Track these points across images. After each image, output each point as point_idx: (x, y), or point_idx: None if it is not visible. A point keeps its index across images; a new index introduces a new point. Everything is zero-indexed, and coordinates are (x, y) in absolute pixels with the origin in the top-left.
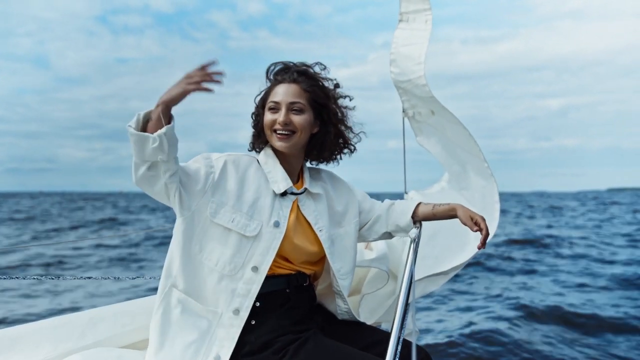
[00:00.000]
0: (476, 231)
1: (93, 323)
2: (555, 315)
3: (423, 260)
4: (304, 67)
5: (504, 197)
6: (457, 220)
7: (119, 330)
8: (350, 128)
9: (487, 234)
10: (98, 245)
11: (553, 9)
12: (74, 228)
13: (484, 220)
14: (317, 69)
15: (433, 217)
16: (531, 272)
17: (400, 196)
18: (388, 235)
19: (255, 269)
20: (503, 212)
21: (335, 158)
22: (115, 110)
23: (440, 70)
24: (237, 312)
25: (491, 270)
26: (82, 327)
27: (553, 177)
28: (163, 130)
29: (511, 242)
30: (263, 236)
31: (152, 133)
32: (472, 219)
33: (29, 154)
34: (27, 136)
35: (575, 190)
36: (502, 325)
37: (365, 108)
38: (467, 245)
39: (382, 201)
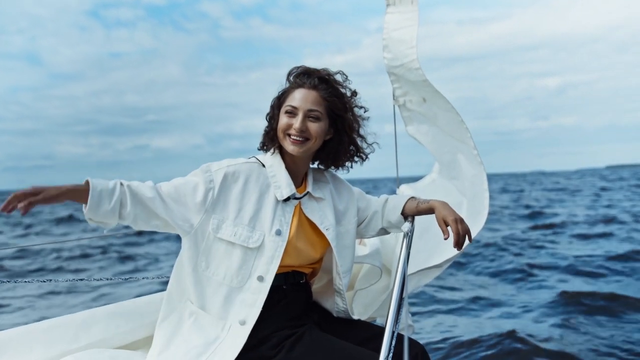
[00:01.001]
0: (446, 238)
1: (86, 325)
2: None
3: (416, 254)
4: (326, 75)
5: (503, 177)
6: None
7: (113, 332)
8: (364, 138)
9: (458, 238)
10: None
11: None
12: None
13: (457, 222)
14: (338, 77)
15: (417, 213)
16: None
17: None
18: (384, 231)
19: (261, 278)
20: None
21: (346, 166)
22: (110, 105)
23: (435, 53)
24: (243, 322)
25: None
26: (75, 328)
27: (552, 156)
28: (86, 215)
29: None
30: (266, 246)
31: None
32: (444, 222)
33: (26, 151)
34: (24, 134)
35: (574, 168)
36: None
37: (362, 93)
38: None
39: (379, 197)
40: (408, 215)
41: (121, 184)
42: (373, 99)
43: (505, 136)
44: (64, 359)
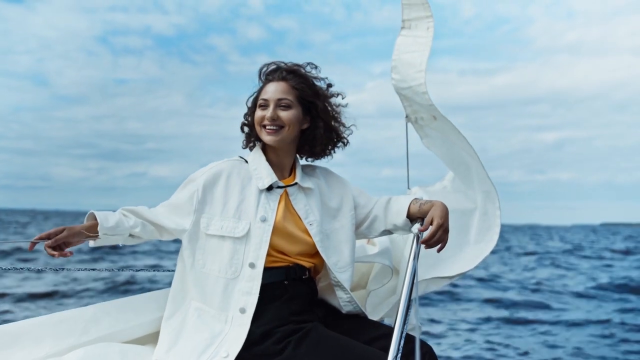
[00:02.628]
0: (420, 231)
1: (96, 318)
2: None
3: (425, 258)
4: (295, 67)
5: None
6: (458, 215)
7: (122, 326)
8: (342, 123)
9: (430, 239)
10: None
11: (550, 43)
12: None
13: (441, 227)
14: (308, 68)
15: (421, 214)
16: None
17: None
18: (388, 232)
19: (252, 265)
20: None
21: (328, 152)
22: (111, 131)
23: (436, 101)
24: (243, 310)
25: None
26: (85, 322)
27: (547, 210)
28: (100, 232)
29: None
30: (252, 233)
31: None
32: (431, 220)
33: (23, 171)
34: (22, 153)
35: (569, 224)
36: None
37: (362, 136)
38: (469, 247)
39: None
40: (413, 217)
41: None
42: (374, 141)
43: (501, 187)
44: (74, 352)
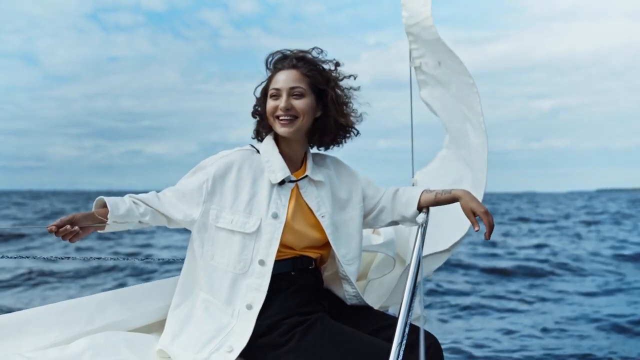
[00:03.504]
0: (477, 230)
1: (101, 307)
2: None
3: (426, 240)
4: (302, 53)
5: (499, 196)
6: (457, 185)
7: (127, 315)
8: (353, 110)
9: (492, 226)
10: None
11: (544, 10)
12: None
13: (487, 214)
14: (314, 53)
15: (437, 204)
16: None
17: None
18: (395, 223)
19: (262, 262)
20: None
21: (339, 142)
22: (105, 109)
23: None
24: (250, 307)
25: None
26: (90, 311)
27: (543, 177)
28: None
29: None
30: (263, 229)
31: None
32: (473, 213)
33: (18, 151)
34: (16, 134)
35: (565, 190)
36: None
37: (357, 107)
38: (463, 218)
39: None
40: (424, 207)
41: (126, 196)
42: (369, 113)
43: (497, 156)
44: (79, 340)
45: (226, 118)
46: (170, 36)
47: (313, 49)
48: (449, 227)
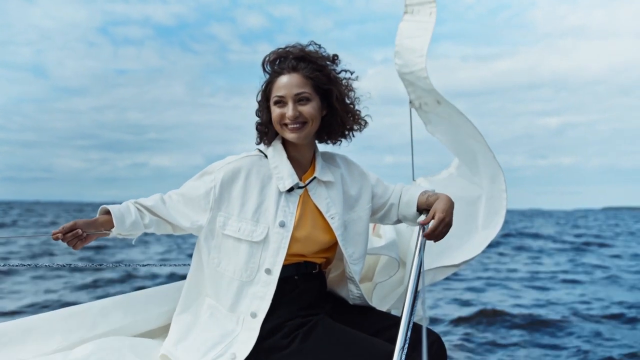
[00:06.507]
0: (421, 223)
1: (104, 313)
2: None
3: (431, 247)
4: (301, 53)
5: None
6: (465, 203)
7: (131, 320)
8: (356, 98)
9: (431, 232)
10: None
11: (553, 27)
12: None
13: (442, 221)
14: (311, 48)
15: (427, 207)
16: None
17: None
18: (399, 222)
19: (268, 271)
20: None
21: (347, 136)
22: (112, 121)
23: (438, 86)
24: (254, 315)
25: None
26: (94, 316)
27: (549, 195)
28: (115, 232)
29: None
30: (271, 238)
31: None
32: (433, 213)
33: (25, 162)
34: (24, 145)
35: (570, 208)
36: None
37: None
38: (477, 234)
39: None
40: (421, 208)
41: (131, 202)
42: (375, 129)
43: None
44: (84, 346)
45: (232, 131)
46: (178, 50)
47: (310, 43)
48: (461, 242)
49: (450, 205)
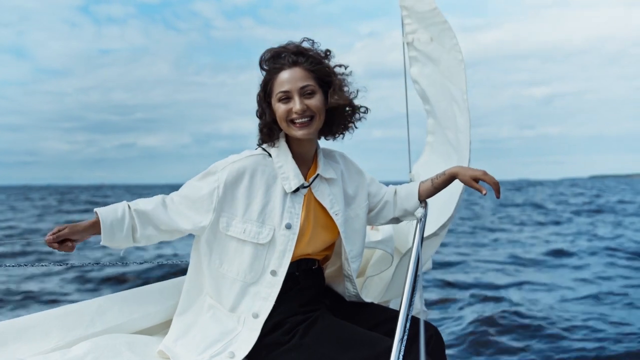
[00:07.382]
0: (485, 194)
1: (102, 311)
2: None
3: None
4: (298, 48)
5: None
6: (443, 168)
7: (128, 317)
8: (351, 93)
9: (497, 184)
10: None
11: None
12: None
13: (486, 174)
14: (306, 45)
15: (435, 190)
16: None
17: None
18: (396, 221)
19: (274, 272)
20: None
21: (349, 127)
22: (98, 102)
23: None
24: (256, 315)
25: None
26: (91, 314)
27: (537, 165)
28: (103, 244)
29: None
30: (277, 240)
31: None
32: (475, 179)
33: (10, 146)
34: (9, 129)
35: (558, 177)
36: None
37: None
38: (448, 200)
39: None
40: (424, 198)
41: (129, 207)
42: (362, 103)
43: (490, 144)
44: (81, 344)
45: (219, 109)
46: (162, 28)
47: (303, 40)
48: (435, 212)
49: (469, 167)
